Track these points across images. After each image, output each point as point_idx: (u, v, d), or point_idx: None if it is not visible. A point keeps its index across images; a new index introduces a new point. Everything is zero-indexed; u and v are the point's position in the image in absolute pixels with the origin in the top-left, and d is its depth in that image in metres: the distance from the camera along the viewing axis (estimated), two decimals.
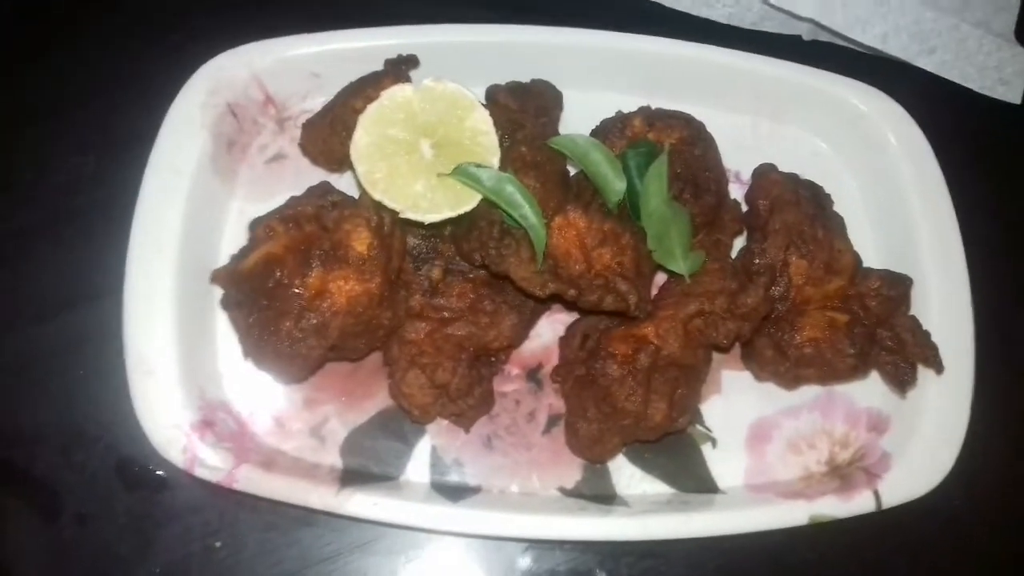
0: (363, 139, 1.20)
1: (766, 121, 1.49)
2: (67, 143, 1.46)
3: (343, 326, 1.17)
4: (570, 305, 1.23)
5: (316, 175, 1.39)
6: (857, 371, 1.26)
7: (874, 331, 1.26)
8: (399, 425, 1.30)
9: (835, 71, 1.45)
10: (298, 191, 1.30)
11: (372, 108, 1.21)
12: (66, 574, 1.25)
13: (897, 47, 1.46)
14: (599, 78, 1.45)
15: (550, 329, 1.35)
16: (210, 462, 1.19)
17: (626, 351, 1.21)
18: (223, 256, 1.33)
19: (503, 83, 1.38)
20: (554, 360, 1.33)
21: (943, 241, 1.36)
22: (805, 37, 1.55)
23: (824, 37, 1.55)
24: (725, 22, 1.54)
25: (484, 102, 1.33)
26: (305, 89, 1.42)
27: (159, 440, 1.19)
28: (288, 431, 1.28)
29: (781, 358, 1.26)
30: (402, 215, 1.18)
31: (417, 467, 1.28)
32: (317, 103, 1.41)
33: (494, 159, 1.21)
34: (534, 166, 1.22)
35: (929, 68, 1.49)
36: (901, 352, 1.26)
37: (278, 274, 1.18)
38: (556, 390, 1.31)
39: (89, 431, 1.30)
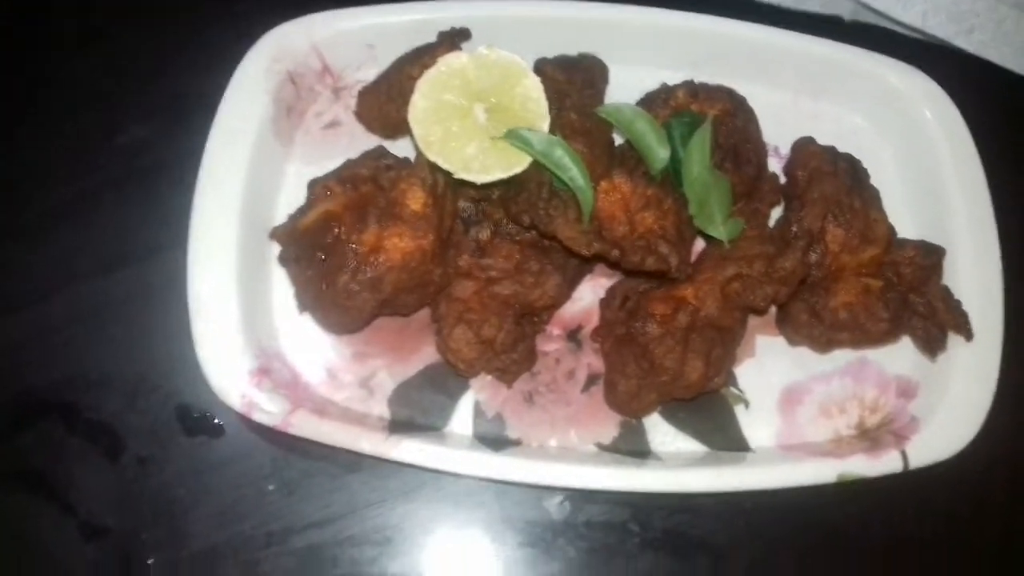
0: (420, 103, 1.25)
1: (806, 98, 1.52)
2: (133, 107, 1.53)
3: (396, 281, 1.22)
4: (613, 265, 1.28)
5: (369, 141, 1.44)
6: (890, 335, 1.31)
7: (907, 297, 1.30)
8: (444, 380, 1.35)
9: (874, 51, 1.49)
10: (353, 155, 1.36)
11: (429, 73, 1.26)
12: (126, 513, 1.31)
13: (936, 26, 1.50)
14: (644, 53, 1.49)
15: (591, 292, 1.40)
16: (267, 407, 1.25)
17: (665, 311, 1.26)
18: (280, 214, 1.38)
19: (551, 56, 1.43)
20: (594, 321, 1.38)
21: (976, 215, 1.39)
22: (846, 18, 1.58)
23: (865, 18, 1.58)
24: (769, 2, 1.58)
25: None
26: (360, 60, 1.48)
27: (219, 385, 1.25)
28: (339, 382, 1.34)
29: (816, 321, 1.30)
30: (456, 176, 1.23)
31: (461, 419, 1.33)
32: (371, 74, 1.47)
33: (544, 125, 1.26)
34: (582, 132, 1.27)
35: (967, 48, 1.52)
36: (932, 318, 1.30)
37: (336, 230, 1.23)
38: (595, 350, 1.36)
39: (151, 378, 1.36)
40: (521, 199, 1.25)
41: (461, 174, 1.23)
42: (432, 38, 1.42)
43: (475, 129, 1.25)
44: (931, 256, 1.33)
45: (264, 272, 1.37)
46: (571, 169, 1.22)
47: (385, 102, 1.38)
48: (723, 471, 1.26)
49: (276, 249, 1.33)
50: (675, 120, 1.33)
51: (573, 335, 1.39)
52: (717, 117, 1.35)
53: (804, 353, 1.38)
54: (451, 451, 1.26)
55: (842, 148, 1.42)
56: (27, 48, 1.59)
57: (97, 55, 1.57)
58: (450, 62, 1.27)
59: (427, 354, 1.36)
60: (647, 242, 1.24)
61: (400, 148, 1.41)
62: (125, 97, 1.54)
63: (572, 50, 1.45)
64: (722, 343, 1.27)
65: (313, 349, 1.35)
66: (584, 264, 1.32)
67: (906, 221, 1.43)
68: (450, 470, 1.26)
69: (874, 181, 1.40)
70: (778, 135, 1.48)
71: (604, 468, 1.26)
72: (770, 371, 1.38)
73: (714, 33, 1.48)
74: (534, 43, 1.43)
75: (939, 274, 1.34)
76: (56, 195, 1.47)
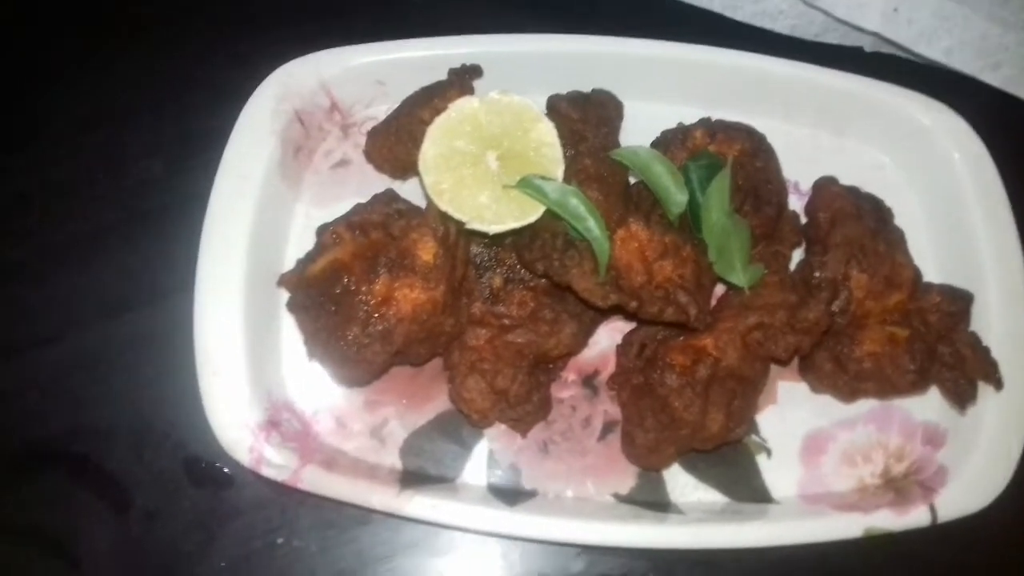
0: (431, 150, 1.22)
1: (827, 133, 1.49)
2: (137, 147, 1.50)
3: (408, 332, 1.19)
4: (630, 315, 1.24)
5: (379, 181, 1.42)
6: (917, 387, 1.27)
7: (934, 347, 1.27)
8: (457, 428, 1.32)
9: (897, 83, 1.45)
10: (362, 196, 1.33)
11: (440, 120, 1.23)
12: (134, 568, 1.29)
13: (961, 61, 1.46)
14: (659, 89, 1.46)
15: (607, 336, 1.37)
16: (276, 461, 1.22)
17: (685, 361, 1.23)
18: (289, 258, 1.36)
19: (564, 92, 1.39)
20: (610, 367, 1.34)
21: (1004, 257, 1.35)
22: (867, 49, 1.54)
23: (886, 49, 1.54)
24: (788, 34, 1.54)
25: (545, 111, 1.34)
26: (370, 96, 1.45)
27: (227, 440, 1.22)
28: (349, 432, 1.31)
29: (840, 371, 1.27)
30: (468, 226, 1.20)
31: (474, 470, 1.30)
32: (381, 110, 1.45)
33: (558, 171, 1.23)
34: (597, 179, 1.23)
35: (994, 83, 1.48)
36: (961, 368, 1.26)
37: (345, 280, 1.20)
38: (612, 397, 1.33)
39: (158, 428, 1.34)
40: (535, 247, 1.22)
41: (474, 224, 1.20)
42: (443, 74, 1.40)
43: (487, 177, 1.22)
44: (959, 302, 1.29)
45: (272, 318, 1.34)
46: (587, 219, 1.18)
47: (395, 144, 1.35)
48: (745, 526, 1.22)
49: (284, 294, 1.30)
50: (693, 163, 1.30)
51: (589, 381, 1.35)
52: (736, 158, 1.31)
53: (827, 399, 1.34)
54: (465, 507, 1.23)
55: (864, 185, 1.39)
56: (29, 84, 1.57)
57: (100, 92, 1.55)
58: (461, 107, 1.24)
59: (439, 402, 1.33)
60: (665, 292, 1.21)
61: (410, 188, 1.39)
62: (129, 137, 1.51)
63: (585, 85, 1.42)
64: (743, 394, 1.23)
65: (322, 397, 1.33)
66: (600, 312, 1.28)
67: (930, 263, 1.39)
68: (464, 526, 1.23)
69: (897, 220, 1.37)
70: (798, 171, 1.44)
71: (623, 524, 1.22)
72: (792, 418, 1.34)
73: (731, 67, 1.45)
74: (547, 78, 1.41)
75: (967, 320, 1.30)
76: (58, 235, 1.45)
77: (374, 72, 1.43)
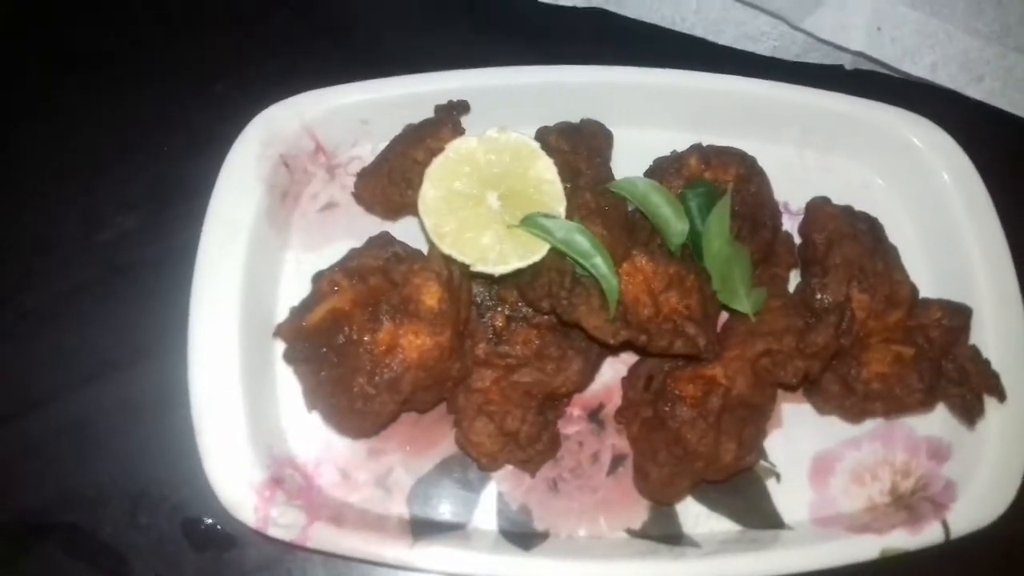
0: (430, 193, 1.20)
1: (814, 152, 1.49)
2: (114, 197, 1.45)
3: (415, 380, 1.16)
4: (639, 350, 1.23)
5: (368, 222, 1.39)
6: (924, 405, 1.27)
7: (939, 364, 1.27)
8: (464, 472, 1.29)
9: (879, 99, 1.46)
10: (352, 238, 1.31)
11: (438, 161, 1.21)
12: None
13: (946, 76, 1.47)
14: (647, 115, 1.45)
15: (610, 368, 1.35)
16: (283, 521, 1.18)
17: (695, 392, 1.21)
18: (281, 306, 1.32)
19: (552, 124, 1.37)
20: (615, 399, 1.33)
21: (996, 269, 1.36)
22: (848, 67, 1.56)
23: (867, 66, 1.55)
24: (770, 55, 1.54)
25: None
26: (354, 136, 1.42)
27: (231, 501, 1.18)
28: (354, 483, 1.27)
29: (848, 393, 1.26)
30: (472, 268, 1.18)
31: (484, 514, 1.27)
32: (366, 150, 1.42)
33: (560, 207, 1.21)
34: (600, 213, 1.22)
35: (977, 96, 1.49)
36: (966, 383, 1.27)
37: (346, 329, 1.17)
38: (619, 430, 1.31)
39: (153, 491, 1.29)
40: (539, 285, 1.20)
41: (478, 267, 1.18)
42: (427, 110, 1.37)
43: (489, 217, 1.19)
44: (959, 316, 1.30)
45: (268, 371, 1.30)
46: (594, 256, 1.16)
47: (387, 185, 1.32)
48: (763, 556, 1.21)
49: (279, 346, 1.26)
50: (690, 191, 1.29)
51: (594, 415, 1.33)
52: (732, 185, 1.31)
53: (832, 419, 1.34)
54: (480, 555, 1.20)
55: (853, 202, 1.39)
56: None
57: (70, 138, 1.50)
58: (458, 148, 1.22)
59: (444, 446, 1.30)
60: (674, 324, 1.20)
61: (401, 229, 1.36)
62: (103, 188, 1.46)
63: (572, 116, 1.40)
64: (753, 421, 1.23)
65: (324, 448, 1.29)
66: (608, 348, 1.27)
67: (924, 278, 1.39)
68: (480, 575, 1.20)
69: (889, 236, 1.37)
70: (788, 191, 1.44)
71: (641, 562, 1.20)
72: (799, 440, 1.34)
73: (718, 91, 1.44)
74: (533, 111, 1.39)
75: (967, 335, 1.31)
76: (37, 295, 1.39)
77: (358, 112, 1.40)
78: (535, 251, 1.19)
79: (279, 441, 1.27)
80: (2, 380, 1.35)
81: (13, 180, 1.47)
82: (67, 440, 1.31)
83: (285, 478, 1.23)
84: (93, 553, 1.26)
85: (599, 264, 1.16)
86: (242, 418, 1.22)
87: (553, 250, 1.19)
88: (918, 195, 1.45)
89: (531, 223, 1.18)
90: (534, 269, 1.21)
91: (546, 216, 1.18)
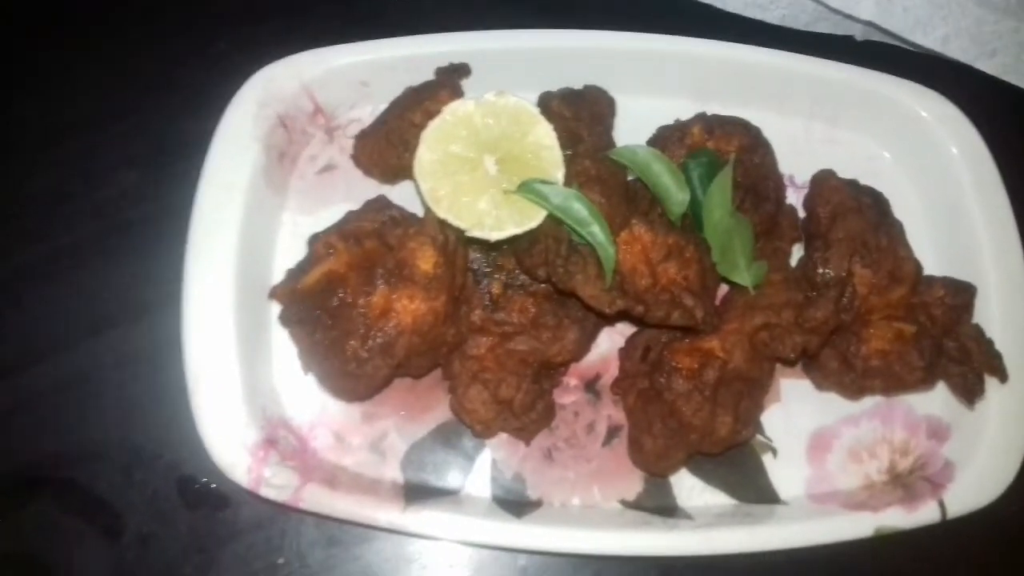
0: (426, 156, 1.18)
1: (821, 124, 1.47)
2: (113, 156, 1.45)
3: (409, 345, 1.16)
4: (635, 320, 1.22)
5: (367, 185, 1.38)
6: (925, 383, 1.26)
7: (941, 342, 1.25)
8: (459, 438, 1.29)
9: (889, 72, 1.43)
10: (350, 202, 1.30)
11: (434, 124, 1.19)
12: None
13: (957, 50, 1.44)
14: (651, 82, 1.43)
15: (607, 339, 1.34)
16: (276, 482, 1.18)
17: (691, 365, 1.20)
18: (277, 268, 1.32)
19: (555, 89, 1.36)
20: (612, 370, 1.32)
21: (1003, 246, 1.34)
22: (858, 37, 1.53)
23: (878, 37, 1.52)
24: (778, 24, 1.51)
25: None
26: (353, 98, 1.40)
27: (225, 462, 1.18)
28: (348, 446, 1.27)
29: (847, 369, 1.25)
30: (468, 234, 1.17)
31: (478, 480, 1.27)
32: (365, 112, 1.41)
33: (558, 173, 1.19)
34: (598, 180, 1.20)
35: (989, 71, 1.46)
36: (967, 362, 1.25)
37: (341, 293, 1.17)
38: (615, 401, 1.30)
39: (148, 448, 1.29)
40: (536, 252, 1.19)
41: (474, 232, 1.16)
42: (428, 73, 1.36)
43: (486, 182, 1.18)
44: (962, 295, 1.28)
45: (263, 332, 1.30)
46: (591, 224, 1.15)
47: (385, 148, 1.31)
48: (756, 530, 1.21)
49: (275, 307, 1.26)
50: (692, 161, 1.27)
51: (591, 385, 1.33)
52: (735, 155, 1.29)
53: (831, 395, 1.33)
54: (472, 520, 1.20)
55: (859, 176, 1.37)
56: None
57: (71, 98, 1.49)
58: (456, 111, 1.20)
59: (439, 412, 1.30)
60: (671, 295, 1.18)
61: (400, 193, 1.35)
62: (103, 146, 1.45)
63: (575, 81, 1.38)
64: (750, 395, 1.22)
65: (319, 411, 1.29)
66: (604, 318, 1.26)
67: (929, 253, 1.37)
68: (472, 540, 1.20)
69: (894, 211, 1.35)
70: (793, 164, 1.42)
71: (633, 533, 1.21)
72: (797, 416, 1.32)
73: (724, 59, 1.42)
74: (537, 75, 1.37)
75: (970, 313, 1.29)
76: (37, 252, 1.39)
77: (357, 73, 1.38)
78: (532, 217, 1.17)
79: (274, 403, 1.27)
80: (2, 336, 1.35)
81: (13, 140, 1.46)
82: (65, 396, 1.31)
83: (279, 439, 1.23)
84: (88, 509, 1.27)
85: (596, 232, 1.15)
86: (236, 378, 1.22)
87: (550, 217, 1.18)
88: (925, 169, 1.42)
89: (528, 189, 1.16)
90: (531, 236, 1.19)
91: (543, 182, 1.17)
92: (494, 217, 1.17)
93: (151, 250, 1.36)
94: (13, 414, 1.31)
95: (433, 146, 1.19)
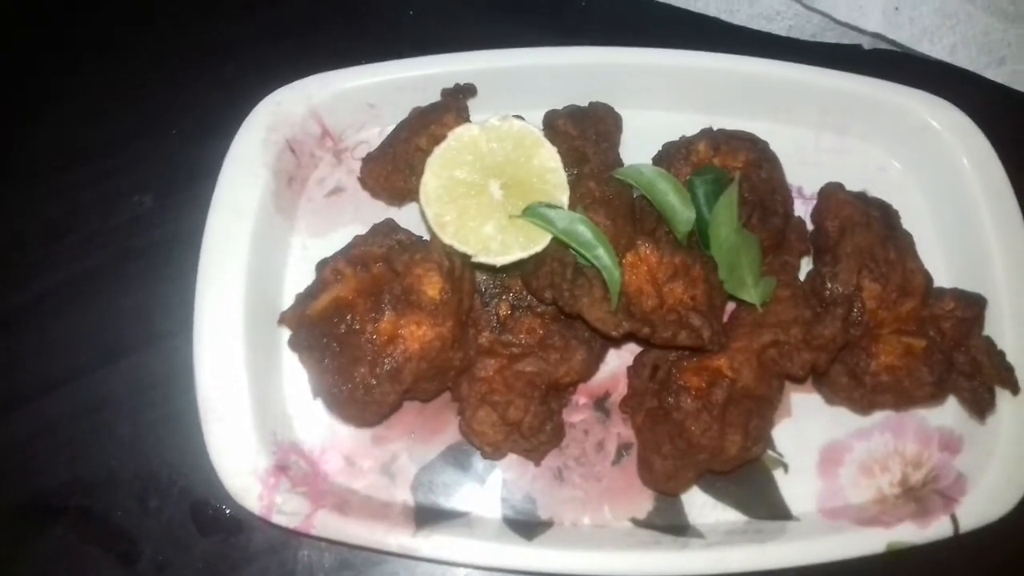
0: (431, 182, 1.19)
1: (830, 135, 1.46)
2: (125, 182, 1.46)
3: (416, 370, 1.16)
4: (642, 342, 1.21)
5: (375, 207, 1.39)
6: (935, 398, 1.25)
7: (951, 356, 1.24)
8: (468, 460, 1.30)
9: (898, 80, 1.42)
10: (359, 224, 1.31)
11: (439, 150, 1.20)
12: None
13: (965, 59, 1.43)
14: (659, 97, 1.43)
15: (616, 356, 1.34)
16: (287, 508, 1.19)
17: (700, 384, 1.20)
18: (287, 292, 1.33)
19: (561, 107, 1.36)
20: (621, 388, 1.32)
21: (1014, 255, 1.33)
22: (866, 47, 1.51)
23: (885, 46, 1.51)
24: (785, 35, 1.50)
25: (543, 128, 1.31)
26: (361, 120, 1.41)
27: (235, 488, 1.19)
28: (358, 469, 1.28)
29: (856, 385, 1.24)
30: (474, 259, 1.17)
31: (488, 502, 1.28)
32: (373, 133, 1.41)
33: (563, 196, 1.19)
34: (603, 202, 1.20)
35: (998, 79, 1.45)
36: (978, 376, 1.24)
37: (348, 318, 1.18)
38: (624, 419, 1.30)
39: (163, 475, 1.31)
40: (542, 274, 1.19)
41: (480, 257, 1.17)
42: (435, 94, 1.36)
43: (491, 207, 1.18)
44: (972, 307, 1.27)
45: (274, 357, 1.31)
46: (596, 247, 1.15)
47: (391, 172, 1.32)
48: (768, 548, 1.21)
49: (286, 331, 1.26)
50: (697, 178, 1.26)
51: (600, 404, 1.33)
52: (741, 170, 1.28)
53: (842, 409, 1.32)
54: (483, 544, 1.20)
55: (868, 186, 1.37)
56: (9, 117, 1.52)
57: (84, 122, 1.51)
58: (460, 136, 1.20)
59: (449, 434, 1.30)
60: (678, 315, 1.18)
61: (408, 215, 1.36)
62: (118, 171, 1.47)
63: (582, 98, 1.38)
64: (759, 412, 1.21)
65: (330, 435, 1.29)
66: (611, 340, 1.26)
67: (939, 264, 1.37)
68: (483, 565, 1.21)
69: (903, 222, 1.34)
70: (801, 175, 1.41)
71: (644, 554, 1.20)
72: (808, 431, 1.32)
73: (731, 72, 1.41)
74: (542, 94, 1.38)
75: (981, 326, 1.28)
76: (54, 279, 1.41)
77: (364, 95, 1.39)
78: (537, 241, 1.18)
79: (285, 427, 1.28)
80: (19, 363, 1.37)
81: (29, 166, 1.48)
82: (79, 424, 1.33)
83: (290, 465, 1.24)
84: (104, 536, 1.28)
85: (601, 255, 1.15)
86: (247, 404, 1.23)
87: (556, 240, 1.18)
88: (935, 179, 1.41)
89: (533, 213, 1.17)
90: (537, 259, 1.20)
91: (548, 206, 1.17)
92: (500, 242, 1.17)
93: (162, 276, 1.38)
94: (30, 442, 1.33)
95: (438, 172, 1.19)
